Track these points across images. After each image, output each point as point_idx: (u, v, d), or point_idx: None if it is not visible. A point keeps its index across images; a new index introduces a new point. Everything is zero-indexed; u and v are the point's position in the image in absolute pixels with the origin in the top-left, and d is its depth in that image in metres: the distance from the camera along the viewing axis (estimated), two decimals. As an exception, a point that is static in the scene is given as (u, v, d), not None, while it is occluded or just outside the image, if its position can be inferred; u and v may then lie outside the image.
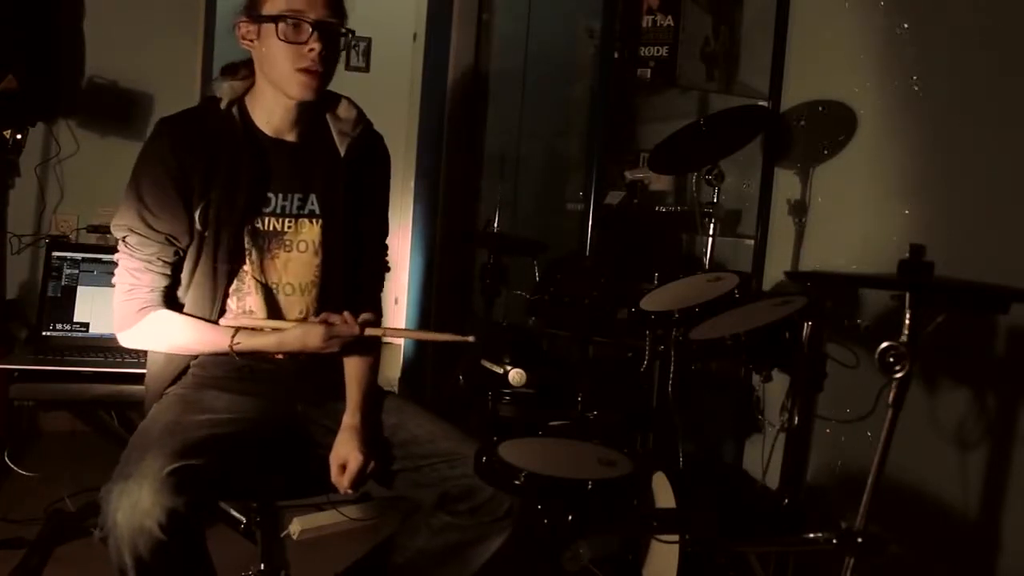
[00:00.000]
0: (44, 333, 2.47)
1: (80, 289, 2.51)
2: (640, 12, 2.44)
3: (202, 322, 1.52)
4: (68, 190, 2.96)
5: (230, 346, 1.49)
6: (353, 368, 1.63)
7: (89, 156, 2.94)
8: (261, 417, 1.52)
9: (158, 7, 3.03)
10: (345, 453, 1.50)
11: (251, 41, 1.51)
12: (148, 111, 2.97)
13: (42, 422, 3.03)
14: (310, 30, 1.45)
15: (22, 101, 2.46)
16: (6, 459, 2.58)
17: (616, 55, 2.41)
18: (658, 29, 2.41)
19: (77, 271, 2.52)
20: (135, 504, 1.23)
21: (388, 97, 4.36)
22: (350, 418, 1.55)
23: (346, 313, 1.53)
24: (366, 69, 4.49)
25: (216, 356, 1.55)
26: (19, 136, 2.57)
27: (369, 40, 4.51)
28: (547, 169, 3.56)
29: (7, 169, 2.63)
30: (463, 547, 1.50)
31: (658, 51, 2.41)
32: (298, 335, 1.51)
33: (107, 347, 2.40)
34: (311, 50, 1.46)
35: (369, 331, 1.54)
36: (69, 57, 2.85)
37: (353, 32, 1.53)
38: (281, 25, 1.45)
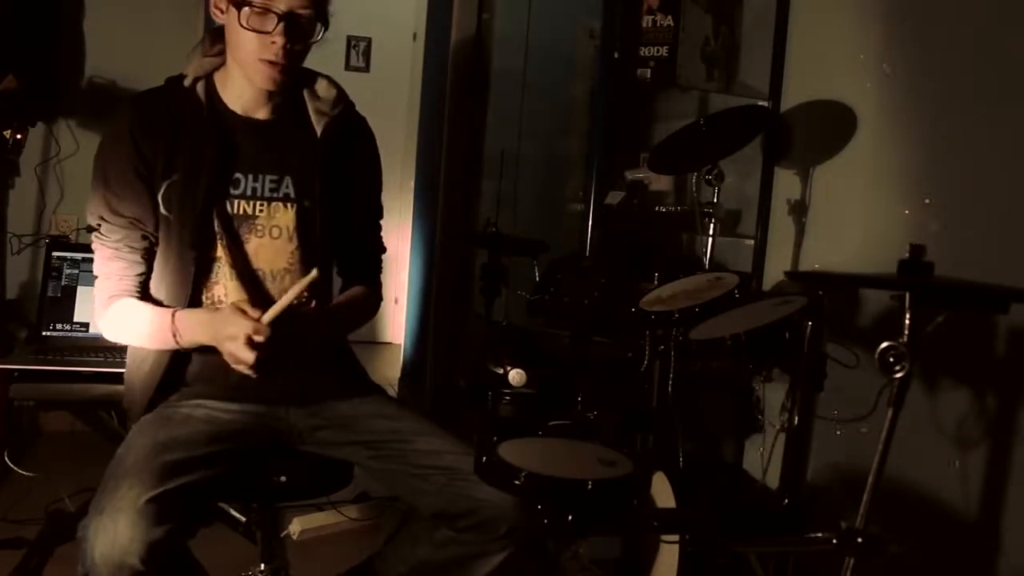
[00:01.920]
0: (44, 333, 2.47)
1: (80, 289, 2.52)
2: (640, 12, 2.43)
3: (151, 308, 1.43)
4: (68, 190, 2.96)
5: (172, 333, 1.39)
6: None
7: (89, 156, 2.87)
8: (245, 425, 1.47)
9: (158, 7, 3.03)
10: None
11: (221, 12, 1.43)
12: (148, 111, 2.97)
13: (42, 422, 3.03)
14: (276, 20, 1.37)
15: (22, 101, 2.46)
16: (6, 459, 2.58)
17: (616, 55, 2.41)
18: (658, 29, 2.41)
19: (77, 271, 2.52)
20: (112, 541, 1.18)
21: (388, 97, 4.37)
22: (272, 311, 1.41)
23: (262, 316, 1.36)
24: (366, 69, 4.49)
25: (177, 356, 1.47)
26: (19, 136, 2.58)
27: (369, 40, 4.51)
28: (547, 169, 3.56)
29: (7, 169, 2.64)
30: (465, 560, 1.47)
31: (658, 51, 2.41)
32: (218, 342, 1.36)
33: (107, 347, 2.40)
34: (273, 42, 1.38)
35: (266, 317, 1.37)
36: (69, 57, 2.86)
37: (325, 28, 1.45)
38: (245, 10, 1.37)
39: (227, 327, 1.35)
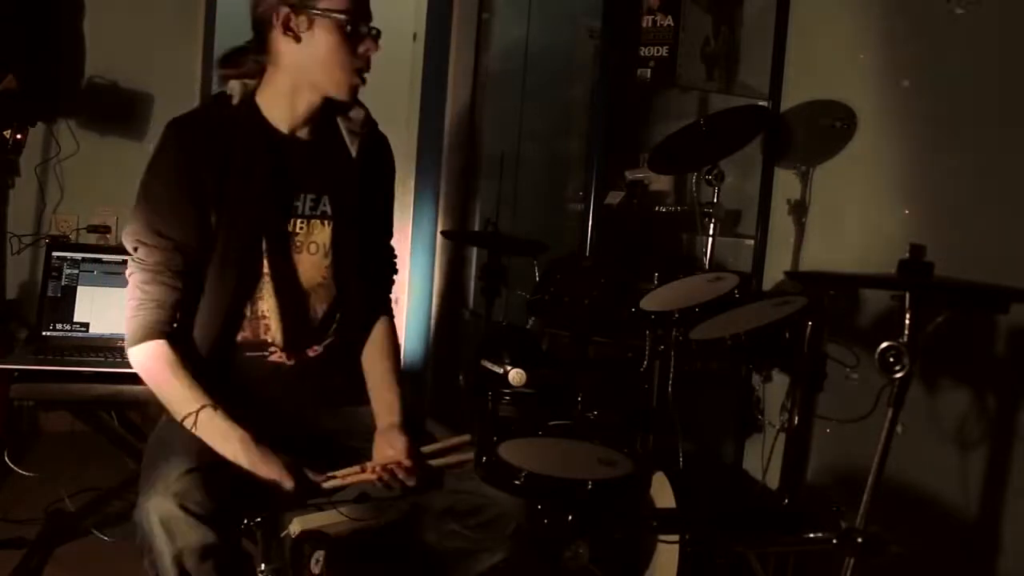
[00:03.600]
0: (44, 333, 2.47)
1: (80, 289, 2.51)
2: (640, 12, 2.43)
3: (180, 376, 1.43)
4: (68, 190, 2.96)
5: (186, 416, 1.39)
6: (377, 369, 1.61)
7: (89, 156, 2.93)
8: (266, 426, 1.47)
9: (158, 7, 3.03)
10: (393, 454, 1.46)
11: (302, 31, 1.44)
12: (148, 111, 2.97)
13: (42, 422, 3.03)
14: (367, 32, 1.46)
15: (22, 101, 2.46)
16: (6, 459, 2.57)
17: (616, 55, 2.41)
18: (658, 29, 2.41)
19: (77, 271, 2.52)
20: (164, 493, 1.22)
21: (388, 97, 4.36)
22: (389, 418, 1.53)
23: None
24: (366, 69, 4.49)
25: (216, 368, 1.50)
26: (19, 136, 2.57)
27: (369, 40, 4.51)
28: (547, 169, 3.56)
29: (7, 169, 2.64)
30: (468, 553, 1.50)
31: (658, 51, 2.41)
32: (259, 465, 1.38)
33: (107, 347, 2.40)
34: (367, 50, 1.47)
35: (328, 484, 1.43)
36: (69, 57, 2.85)
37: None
38: (345, 25, 1.44)
39: (273, 472, 1.38)
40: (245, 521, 1.43)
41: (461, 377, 2.23)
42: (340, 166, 1.58)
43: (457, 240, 3.60)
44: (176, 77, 3.02)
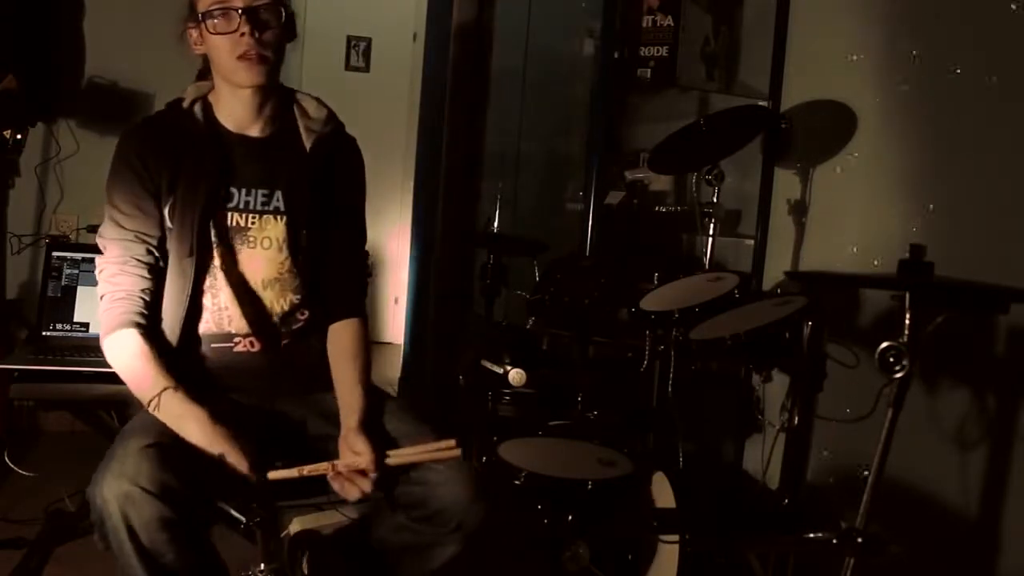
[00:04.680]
0: (44, 333, 2.47)
1: (80, 289, 2.51)
2: (640, 12, 2.44)
3: (145, 362, 1.47)
4: (68, 190, 2.96)
5: (150, 399, 1.43)
6: (341, 372, 1.60)
7: (89, 156, 2.93)
8: (240, 414, 1.50)
9: (158, 7, 3.00)
10: (356, 459, 1.45)
11: (200, 45, 1.55)
12: (148, 111, 2.96)
13: (42, 422, 3.04)
14: (238, 16, 1.47)
15: (22, 101, 2.46)
16: (6, 459, 2.58)
17: (616, 55, 2.41)
18: (658, 29, 2.41)
19: (77, 271, 2.52)
20: (119, 474, 1.25)
21: (388, 97, 4.36)
22: (350, 421, 1.50)
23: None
24: (366, 69, 4.48)
25: (184, 358, 1.53)
26: (19, 136, 2.57)
27: (369, 40, 4.51)
28: (547, 169, 3.56)
29: (7, 169, 2.64)
30: (418, 548, 1.50)
31: (658, 51, 2.41)
32: (220, 448, 1.40)
33: (107, 347, 2.40)
34: (242, 35, 1.47)
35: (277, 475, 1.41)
36: (69, 57, 2.85)
37: (286, 7, 1.52)
38: (210, 20, 1.48)
39: (228, 453, 1.39)
40: (209, 498, 1.44)
41: (461, 377, 2.23)
42: (293, 161, 1.60)
43: (457, 240, 3.60)
44: (176, 77, 2.99)
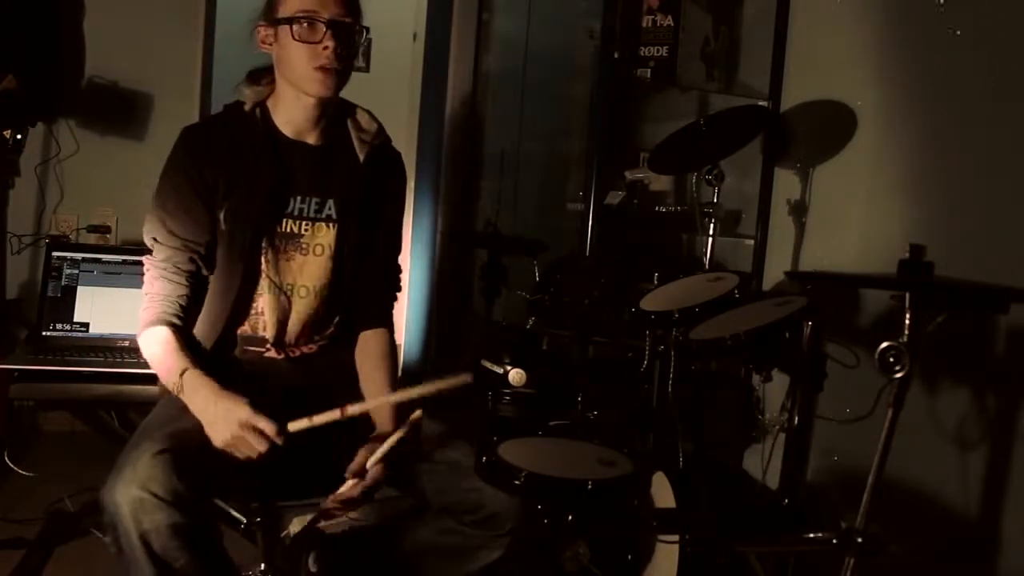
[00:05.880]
0: (44, 333, 2.47)
1: (80, 289, 2.51)
2: (640, 12, 2.44)
3: (171, 350, 1.48)
4: (68, 190, 2.96)
5: (174, 383, 1.45)
6: (371, 381, 1.62)
7: (89, 156, 2.93)
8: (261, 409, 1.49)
9: (158, 7, 3.02)
10: (365, 463, 1.46)
11: (269, 44, 1.55)
12: (148, 111, 2.97)
13: (42, 422, 3.03)
14: (324, 29, 1.48)
15: (22, 101, 2.46)
16: (6, 459, 2.58)
17: (616, 55, 2.41)
18: (658, 29, 2.42)
19: (77, 271, 2.52)
20: (131, 480, 1.25)
21: (388, 97, 4.36)
22: (384, 424, 1.54)
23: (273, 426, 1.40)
24: (366, 69, 4.48)
25: (212, 356, 1.55)
26: (19, 136, 2.57)
27: (369, 40, 4.50)
28: (547, 169, 3.56)
29: (7, 169, 2.63)
30: (465, 551, 1.51)
31: (658, 51, 2.41)
32: (209, 420, 1.41)
33: (107, 347, 2.40)
34: (325, 48, 1.48)
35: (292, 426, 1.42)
36: (69, 57, 2.85)
37: (367, 29, 1.56)
38: (295, 26, 1.48)
39: (241, 428, 1.38)
40: (218, 501, 1.46)
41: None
42: (347, 171, 1.62)
43: (457, 240, 3.60)
44: (176, 77, 3.02)
